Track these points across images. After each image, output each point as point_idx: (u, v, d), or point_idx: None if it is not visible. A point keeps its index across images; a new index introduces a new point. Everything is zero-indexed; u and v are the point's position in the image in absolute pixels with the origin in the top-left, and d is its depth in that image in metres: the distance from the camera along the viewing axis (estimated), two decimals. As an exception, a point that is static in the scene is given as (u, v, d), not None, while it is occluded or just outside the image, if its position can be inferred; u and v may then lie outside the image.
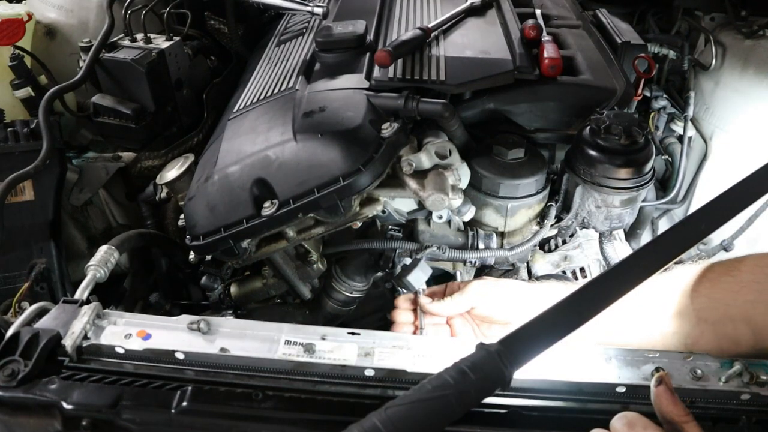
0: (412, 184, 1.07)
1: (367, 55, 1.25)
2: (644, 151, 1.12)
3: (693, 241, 0.81)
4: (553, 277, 1.33)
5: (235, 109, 1.26)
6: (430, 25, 1.25)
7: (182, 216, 1.14)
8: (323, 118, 1.10)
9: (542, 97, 1.21)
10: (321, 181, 1.01)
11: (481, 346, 0.71)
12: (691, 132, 1.85)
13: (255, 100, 1.25)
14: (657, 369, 0.81)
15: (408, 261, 1.24)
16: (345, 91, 1.15)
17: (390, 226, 1.22)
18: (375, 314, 1.40)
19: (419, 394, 0.66)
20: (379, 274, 1.28)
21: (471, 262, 1.23)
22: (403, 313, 1.09)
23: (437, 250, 1.19)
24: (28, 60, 1.55)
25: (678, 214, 1.89)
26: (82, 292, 0.94)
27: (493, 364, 0.69)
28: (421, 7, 1.45)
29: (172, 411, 0.75)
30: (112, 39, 1.54)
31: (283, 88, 1.23)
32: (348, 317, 1.34)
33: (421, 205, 1.11)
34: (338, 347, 0.83)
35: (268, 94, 1.24)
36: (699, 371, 0.81)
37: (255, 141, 1.10)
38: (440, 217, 1.18)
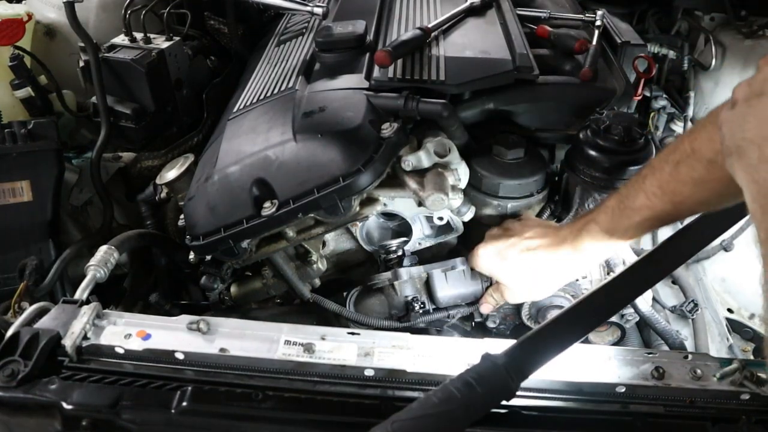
0: (412, 183, 1.07)
1: (367, 55, 1.24)
2: (644, 151, 1.12)
3: (699, 247, 0.81)
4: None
5: (235, 109, 1.26)
6: (430, 25, 1.25)
7: (182, 216, 1.14)
8: (323, 118, 1.10)
9: (542, 97, 1.21)
10: (321, 181, 1.01)
11: (487, 357, 0.70)
12: (690, 132, 1.85)
13: (255, 100, 1.25)
14: (657, 369, 0.81)
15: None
16: (345, 91, 1.15)
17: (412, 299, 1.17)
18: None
19: (425, 409, 0.65)
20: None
21: None
22: None
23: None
24: (28, 60, 1.55)
25: (678, 214, 1.88)
26: (82, 292, 0.94)
27: (500, 377, 0.68)
28: (421, 7, 1.44)
29: (172, 411, 0.75)
30: (112, 39, 1.54)
31: (283, 88, 1.23)
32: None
33: (420, 206, 1.11)
34: (338, 347, 0.83)
35: (268, 94, 1.24)
36: (698, 371, 0.81)
37: (255, 141, 1.10)
38: (441, 219, 1.18)
